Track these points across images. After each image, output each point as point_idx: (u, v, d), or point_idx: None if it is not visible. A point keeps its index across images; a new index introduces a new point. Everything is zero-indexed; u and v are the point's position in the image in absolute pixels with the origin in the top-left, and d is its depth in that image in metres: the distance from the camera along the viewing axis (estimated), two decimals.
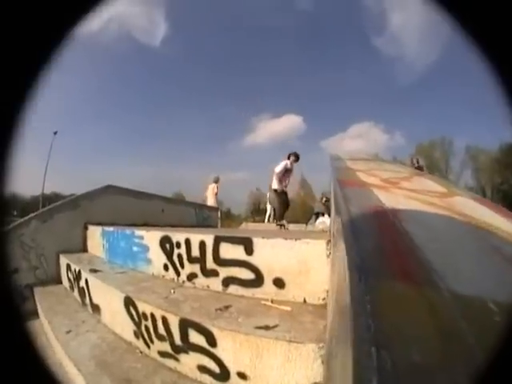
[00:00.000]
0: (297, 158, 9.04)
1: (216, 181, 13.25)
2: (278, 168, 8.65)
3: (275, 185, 8.76)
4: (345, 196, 1.43)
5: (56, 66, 1.03)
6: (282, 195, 8.90)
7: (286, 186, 9.11)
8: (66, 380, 2.38)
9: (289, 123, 76.24)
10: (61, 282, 4.94)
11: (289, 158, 8.95)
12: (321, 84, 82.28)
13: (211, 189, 13.01)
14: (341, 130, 79.66)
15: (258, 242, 2.40)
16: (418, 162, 11.70)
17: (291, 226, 9.63)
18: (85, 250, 5.54)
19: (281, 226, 8.98)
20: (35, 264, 5.07)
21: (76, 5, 1.01)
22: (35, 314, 4.27)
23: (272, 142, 72.18)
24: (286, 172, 8.89)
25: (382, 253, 0.90)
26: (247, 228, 13.32)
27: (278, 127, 76.08)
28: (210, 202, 12.62)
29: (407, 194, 1.41)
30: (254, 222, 20.98)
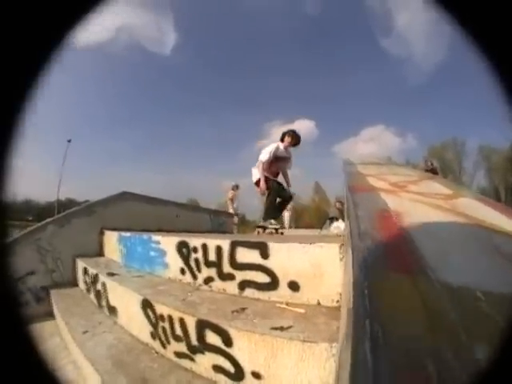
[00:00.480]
0: (294, 139, 6.20)
1: (234, 188, 13.62)
2: (264, 155, 6.05)
3: (256, 175, 6.10)
4: (354, 201, 1.56)
5: (56, 65, 1.04)
6: (272, 184, 6.04)
7: (287, 181, 6.63)
8: (69, 381, 2.53)
9: (301, 128, 76.68)
10: (77, 285, 5.20)
11: (282, 140, 6.25)
12: (332, 88, 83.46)
13: (229, 195, 13.45)
14: (353, 133, 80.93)
15: (273, 247, 2.51)
16: (432, 165, 11.74)
17: (304, 232, 8.77)
18: (101, 254, 5.78)
19: (263, 228, 6.25)
20: (52, 267, 5.33)
21: (76, 4, 1.02)
22: (50, 316, 4.54)
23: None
24: (278, 161, 6.21)
25: (382, 251, 1.05)
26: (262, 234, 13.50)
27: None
28: (229, 208, 13.06)
29: (413, 197, 1.52)
30: None
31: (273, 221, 6.19)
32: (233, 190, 13.55)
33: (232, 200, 13.40)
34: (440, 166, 31.14)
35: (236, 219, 12.68)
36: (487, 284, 0.80)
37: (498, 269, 0.90)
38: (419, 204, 1.41)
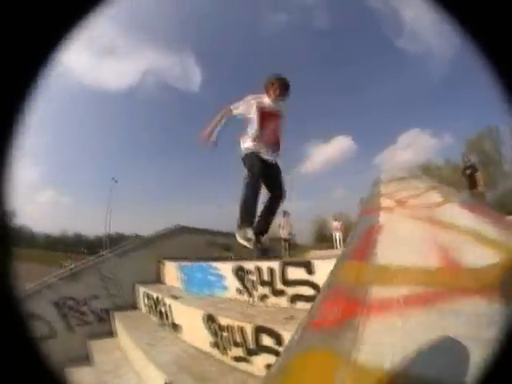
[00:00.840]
0: (281, 82, 4.36)
1: (284, 215, 14.33)
2: (238, 103, 4.36)
3: (241, 144, 4.43)
4: (358, 222, 2.19)
5: (54, 66, 1.07)
6: (254, 162, 4.22)
7: (271, 147, 4.42)
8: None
9: (339, 145, 77.49)
10: (137, 308, 6.16)
11: (267, 91, 4.39)
12: (361, 100, 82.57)
13: (279, 222, 14.22)
14: (391, 142, 79.57)
15: (317, 264, 3.08)
16: (469, 161, 11.66)
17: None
18: (159, 281, 6.70)
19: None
20: (113, 292, 6.34)
21: (75, 4, 1.04)
22: (110, 334, 5.67)
23: (326, 168, 73.96)
24: (266, 118, 4.34)
25: (350, 249, 1.80)
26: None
27: (329, 151, 77.32)
28: (280, 234, 13.83)
29: (404, 212, 2.01)
30: (322, 249, 20.50)
31: (249, 231, 4.19)
32: (283, 216, 14.28)
33: (283, 227, 14.16)
34: (480, 159, 29.84)
35: (286, 245, 13.34)
36: (407, 262, 1.36)
37: (422, 254, 1.43)
38: (404, 217, 1.94)
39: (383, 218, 1.99)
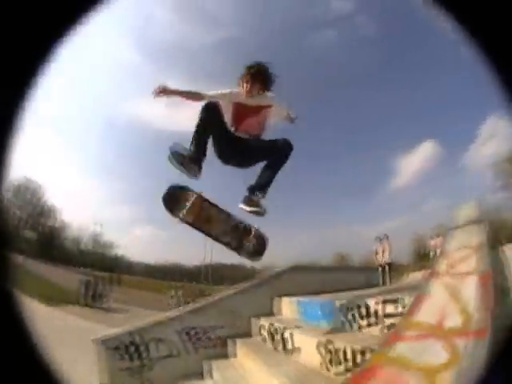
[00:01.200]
0: (254, 80, 4.08)
1: (379, 239, 14.50)
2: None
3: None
4: (419, 286, 3.43)
5: (54, 65, 1.15)
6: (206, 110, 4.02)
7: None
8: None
9: (423, 152, 72.83)
10: (251, 336, 7.61)
11: (241, 86, 4.12)
12: (430, 99, 76.56)
13: (376, 248, 14.44)
14: (472, 137, 72.91)
15: (406, 300, 4.08)
16: None
17: None
18: (272, 313, 8.14)
19: None
20: (233, 322, 7.85)
21: (73, 5, 1.11)
22: (226, 356, 7.17)
23: (415, 179, 70.56)
24: (238, 112, 4.19)
25: (410, 309, 3.24)
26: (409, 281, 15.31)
27: (415, 161, 73.23)
28: (376, 260, 14.10)
29: (445, 281, 3.20)
30: (421, 269, 19.27)
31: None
32: (380, 242, 14.23)
33: (383, 252, 13.96)
34: None
35: (386, 268, 13.21)
36: (423, 319, 2.79)
37: (432, 315, 2.77)
38: (442, 287, 3.14)
39: (433, 286, 3.26)
